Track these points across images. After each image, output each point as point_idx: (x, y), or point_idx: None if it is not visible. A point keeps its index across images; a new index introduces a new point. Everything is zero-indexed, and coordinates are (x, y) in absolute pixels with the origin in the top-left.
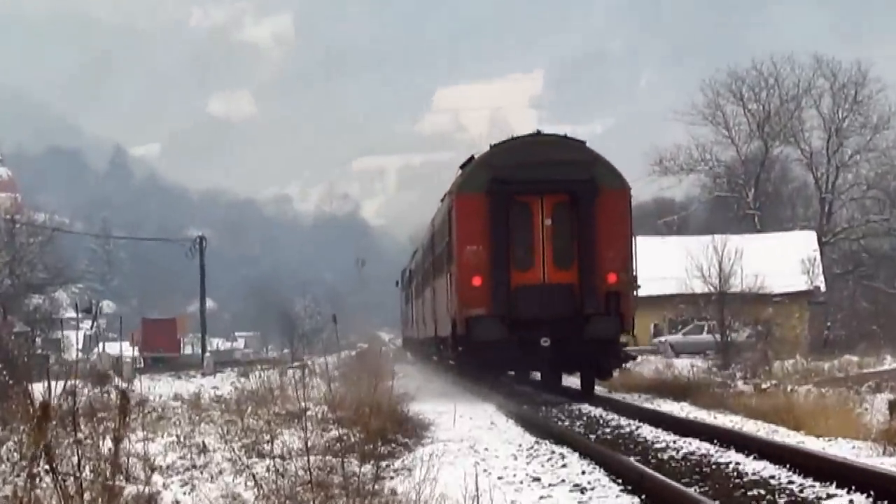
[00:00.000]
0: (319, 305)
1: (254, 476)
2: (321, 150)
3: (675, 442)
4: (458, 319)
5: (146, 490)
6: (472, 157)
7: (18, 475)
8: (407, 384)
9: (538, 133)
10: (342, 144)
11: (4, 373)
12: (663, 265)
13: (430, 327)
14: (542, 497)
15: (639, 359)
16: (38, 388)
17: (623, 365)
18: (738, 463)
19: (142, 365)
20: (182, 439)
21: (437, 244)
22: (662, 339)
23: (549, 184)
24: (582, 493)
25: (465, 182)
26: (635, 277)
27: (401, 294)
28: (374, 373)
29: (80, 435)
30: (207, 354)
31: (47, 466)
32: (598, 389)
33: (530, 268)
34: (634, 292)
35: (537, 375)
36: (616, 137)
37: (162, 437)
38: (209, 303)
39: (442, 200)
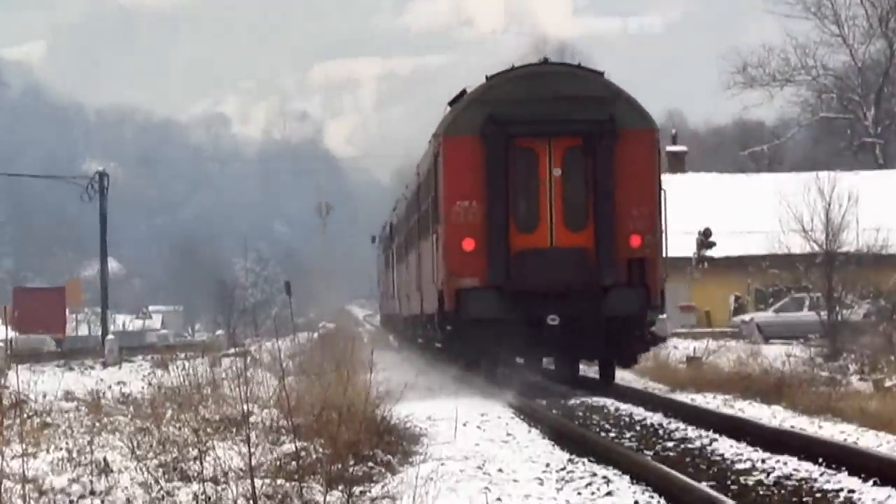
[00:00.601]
0: (267, 269)
1: None
2: (269, 51)
3: (763, 461)
4: (446, 292)
5: None
6: (463, 92)
7: None
8: (390, 378)
9: (545, 62)
10: (298, 43)
11: None
12: (747, 214)
13: (416, 302)
14: None
15: (714, 345)
16: None
17: (649, 349)
18: (852, 491)
19: (12, 351)
20: (76, 455)
21: (422, 197)
22: (746, 317)
23: (559, 124)
24: None
25: (455, 122)
26: (664, 239)
27: (379, 256)
28: (343, 363)
29: None
30: (110, 337)
31: None
32: (655, 387)
33: (535, 228)
34: (663, 257)
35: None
36: (682, 35)
37: (48, 451)
38: (113, 264)
39: (429, 143)
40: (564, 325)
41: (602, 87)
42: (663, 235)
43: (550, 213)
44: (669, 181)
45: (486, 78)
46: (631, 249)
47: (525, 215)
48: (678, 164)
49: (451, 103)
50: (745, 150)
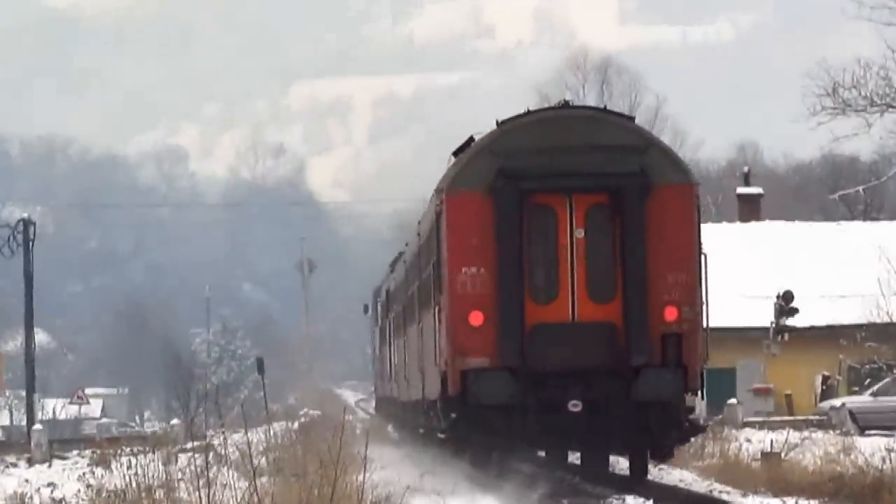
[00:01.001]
0: (235, 341)
1: None
2: (237, 67)
3: None
4: (450, 373)
5: None
6: (470, 140)
7: None
8: (389, 479)
9: (566, 105)
10: (273, 59)
11: None
12: (839, 273)
13: (416, 385)
14: None
15: (797, 437)
16: None
17: (688, 440)
18: None
19: None
20: None
21: (423, 262)
22: (836, 402)
23: (582, 178)
24: None
25: (460, 176)
26: (706, 310)
27: (373, 328)
28: (330, 460)
29: None
30: (37, 427)
31: None
32: (722, 489)
33: (554, 299)
34: (704, 332)
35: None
36: (756, 48)
37: None
38: (41, 336)
39: (431, 200)
40: (588, 412)
41: (632, 134)
42: (704, 306)
43: (572, 282)
44: (741, 232)
45: (497, 123)
46: (666, 324)
47: (542, 284)
48: (752, 209)
49: (455, 153)
50: (835, 192)
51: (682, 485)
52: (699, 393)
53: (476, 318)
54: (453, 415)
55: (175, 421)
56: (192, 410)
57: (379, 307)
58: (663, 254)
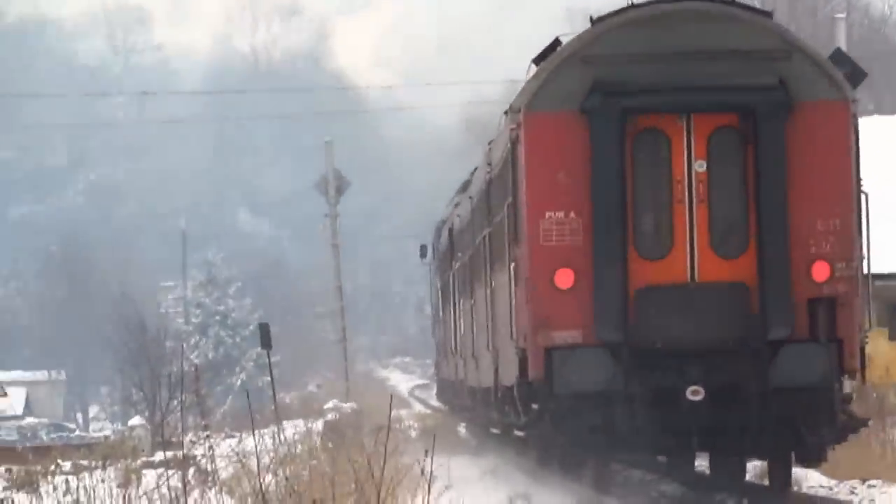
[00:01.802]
0: (226, 298)
1: None
2: None
3: None
4: (531, 351)
5: None
6: (555, 43)
7: None
8: None
9: None
10: None
11: None
12: None
13: (488, 366)
14: None
15: None
16: None
17: (846, 437)
18: None
19: None
20: None
21: (494, 202)
22: None
23: (703, 94)
24: None
25: (543, 91)
26: (867, 265)
27: (433, 280)
28: (371, 479)
29: None
30: None
31: None
32: None
33: (667, 254)
34: (866, 294)
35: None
36: None
37: None
38: None
39: (503, 120)
40: (713, 402)
41: (769, 35)
42: (865, 261)
43: (690, 231)
44: None
45: (591, 21)
46: (814, 285)
47: (652, 234)
48: None
49: (536, 60)
50: None
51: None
52: (859, 375)
53: (564, 279)
54: (535, 406)
55: (136, 420)
56: (162, 405)
57: (441, 251)
58: (811, 192)
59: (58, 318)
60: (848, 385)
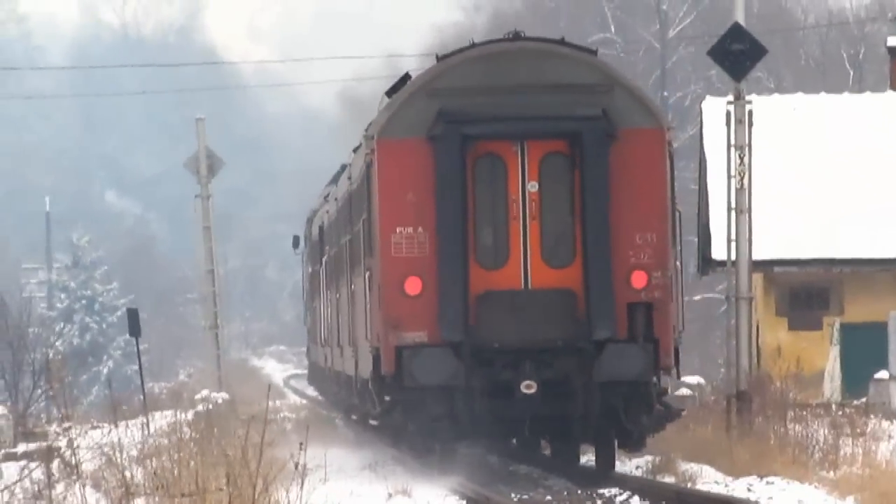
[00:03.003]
0: (91, 283)
1: None
2: None
3: None
4: (384, 349)
5: None
6: (405, 77)
7: None
8: (339, 499)
9: (517, 36)
10: None
11: None
12: None
13: (349, 357)
14: None
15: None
16: None
17: (662, 426)
18: None
19: None
20: None
21: (354, 213)
22: None
23: (535, 122)
24: None
25: (394, 120)
26: (680, 275)
27: (304, 268)
28: (243, 470)
29: None
30: None
31: None
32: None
33: (503, 264)
34: (679, 301)
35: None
36: None
37: None
38: None
39: (355, 150)
40: (544, 395)
41: (594, 71)
42: (679, 271)
43: (524, 244)
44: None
45: (437, 58)
46: (633, 291)
47: (490, 246)
48: None
49: (389, 93)
50: None
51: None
52: (673, 371)
53: (413, 286)
54: (387, 398)
55: None
56: (25, 394)
57: (311, 242)
58: (630, 209)
59: None
60: (665, 380)
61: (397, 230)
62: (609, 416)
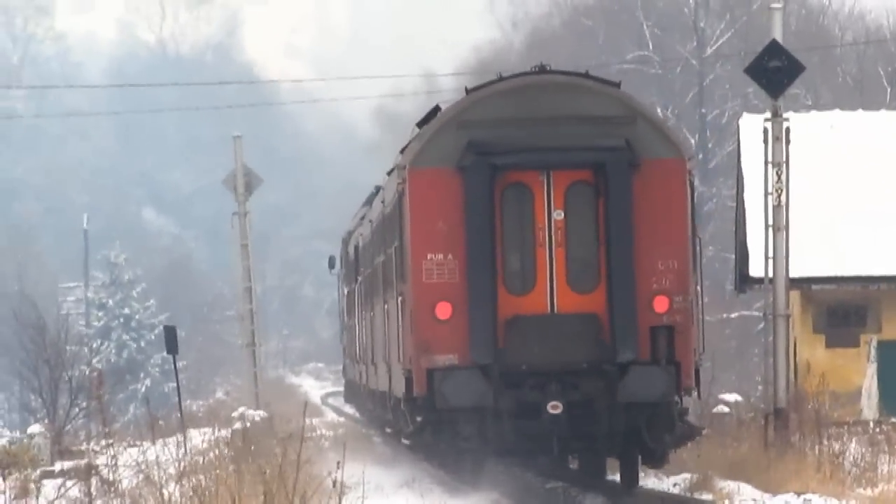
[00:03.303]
0: (129, 301)
1: None
2: None
3: None
4: (415, 371)
5: None
6: (435, 109)
7: None
8: None
9: (543, 69)
10: None
11: None
12: None
13: (384, 375)
14: None
15: None
16: None
17: (685, 443)
18: None
19: None
20: None
21: (388, 237)
22: None
23: (561, 153)
24: None
25: (425, 151)
26: (700, 300)
27: (341, 288)
28: (281, 489)
29: None
30: None
31: None
32: None
33: (530, 289)
34: (699, 324)
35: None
36: None
37: None
38: None
39: (389, 174)
40: (570, 415)
41: (617, 103)
42: (699, 296)
43: (550, 270)
44: None
45: (466, 91)
46: (655, 315)
47: (517, 272)
48: None
49: (420, 124)
50: None
51: None
52: (694, 392)
53: (443, 311)
54: (419, 418)
55: (35, 428)
56: (63, 412)
57: (347, 262)
58: (652, 237)
59: None
60: (686, 400)
61: (428, 257)
62: (632, 435)
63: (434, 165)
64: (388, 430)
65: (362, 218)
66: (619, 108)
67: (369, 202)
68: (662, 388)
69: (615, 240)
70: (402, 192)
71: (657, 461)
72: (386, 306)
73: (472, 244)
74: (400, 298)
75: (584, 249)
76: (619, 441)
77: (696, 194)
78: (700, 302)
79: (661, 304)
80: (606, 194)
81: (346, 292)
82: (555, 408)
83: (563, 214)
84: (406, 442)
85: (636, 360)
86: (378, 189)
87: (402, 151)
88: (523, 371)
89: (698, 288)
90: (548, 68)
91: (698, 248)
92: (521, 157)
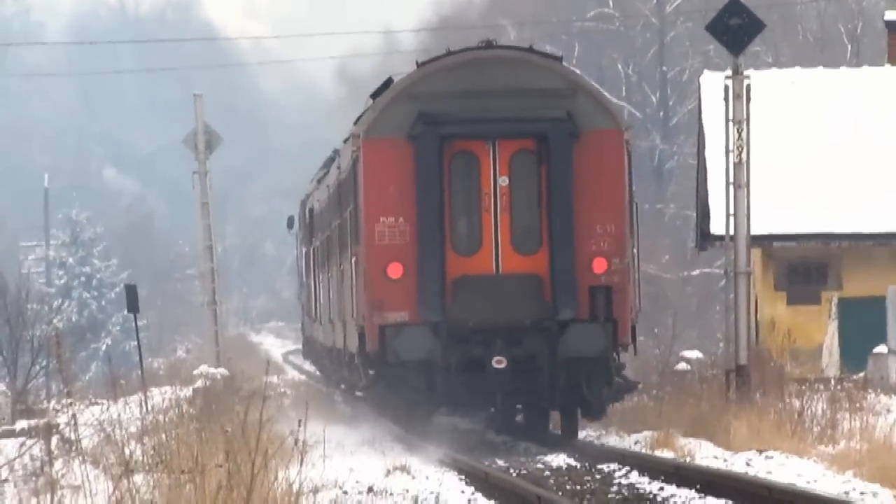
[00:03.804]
0: (90, 259)
1: None
2: None
3: None
4: (368, 328)
5: None
6: (388, 81)
7: None
8: (341, 478)
9: (490, 44)
10: None
11: None
12: None
13: (339, 332)
14: None
15: (877, 399)
16: None
17: (621, 398)
18: None
19: None
20: None
21: (343, 201)
22: None
23: (506, 123)
24: None
25: (378, 121)
26: (636, 262)
27: (299, 248)
28: (243, 447)
29: None
30: None
31: None
32: (870, 489)
33: (477, 251)
34: (636, 285)
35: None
36: None
37: None
38: None
39: (345, 142)
40: (513, 369)
41: (558, 77)
42: (636, 258)
43: (496, 233)
44: (892, 80)
45: (417, 64)
46: (594, 276)
47: (465, 235)
48: None
49: (373, 95)
50: None
51: (800, 479)
52: (630, 348)
53: (395, 271)
54: (371, 372)
55: None
56: (24, 371)
57: (305, 224)
58: (591, 203)
59: None
60: (622, 356)
61: (381, 220)
62: (572, 389)
63: (386, 135)
64: (343, 385)
65: (320, 181)
66: (560, 82)
67: (327, 165)
68: (601, 344)
69: (556, 205)
70: (356, 160)
71: (596, 414)
72: (341, 267)
73: (423, 208)
74: (354, 259)
75: (528, 214)
76: (559, 395)
77: (632, 162)
78: (637, 263)
79: (599, 266)
80: (548, 163)
81: (304, 252)
82: (499, 363)
83: (507, 181)
84: (359, 394)
85: (576, 318)
86: (336, 153)
87: (356, 122)
88: (470, 328)
89: (635, 250)
90: (494, 43)
91: (635, 212)
92: (469, 127)
